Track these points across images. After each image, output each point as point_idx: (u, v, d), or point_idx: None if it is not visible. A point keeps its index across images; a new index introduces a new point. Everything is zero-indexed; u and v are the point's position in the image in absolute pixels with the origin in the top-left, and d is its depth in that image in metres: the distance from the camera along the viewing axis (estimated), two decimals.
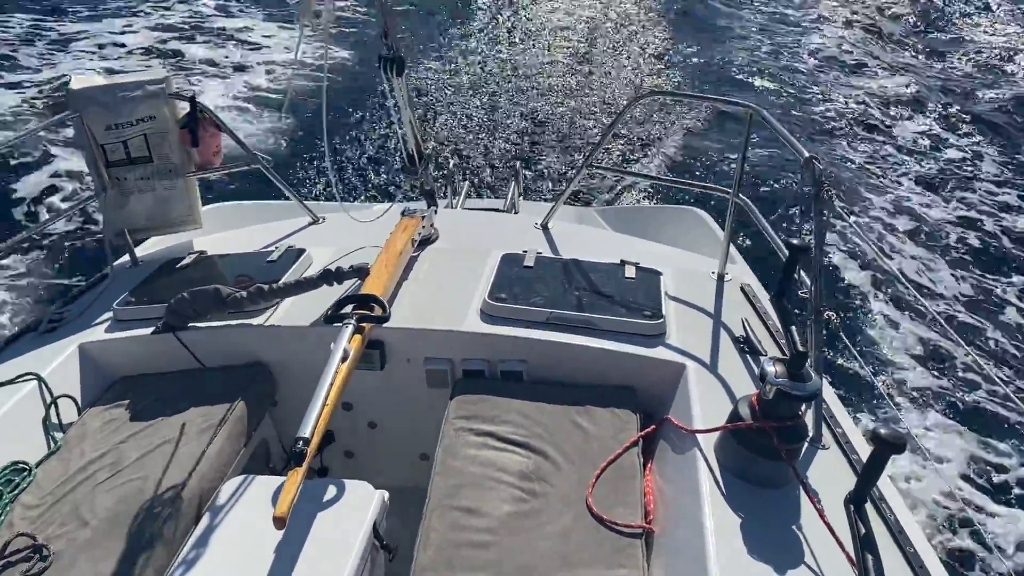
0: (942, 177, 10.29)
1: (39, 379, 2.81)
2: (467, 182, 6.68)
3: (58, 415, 2.81)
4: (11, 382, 2.79)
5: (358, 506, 2.25)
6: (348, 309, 2.63)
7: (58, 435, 2.76)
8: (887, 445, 1.70)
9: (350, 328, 2.50)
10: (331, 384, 2.23)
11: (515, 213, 5.82)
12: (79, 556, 2.18)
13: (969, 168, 10.65)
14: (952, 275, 7.92)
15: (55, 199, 8.42)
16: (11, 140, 3.30)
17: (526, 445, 2.53)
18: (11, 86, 11.60)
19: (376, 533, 2.22)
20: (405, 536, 2.34)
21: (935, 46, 16.54)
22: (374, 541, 2.21)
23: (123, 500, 2.37)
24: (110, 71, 11.60)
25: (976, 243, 8.67)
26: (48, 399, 2.79)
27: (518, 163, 7.90)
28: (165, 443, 2.62)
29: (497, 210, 5.81)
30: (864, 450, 2.41)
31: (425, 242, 3.66)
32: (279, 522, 1.83)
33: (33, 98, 10.99)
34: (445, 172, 5.89)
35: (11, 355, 3.06)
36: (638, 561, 2.12)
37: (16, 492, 2.46)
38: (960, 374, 6.38)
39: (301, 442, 2.02)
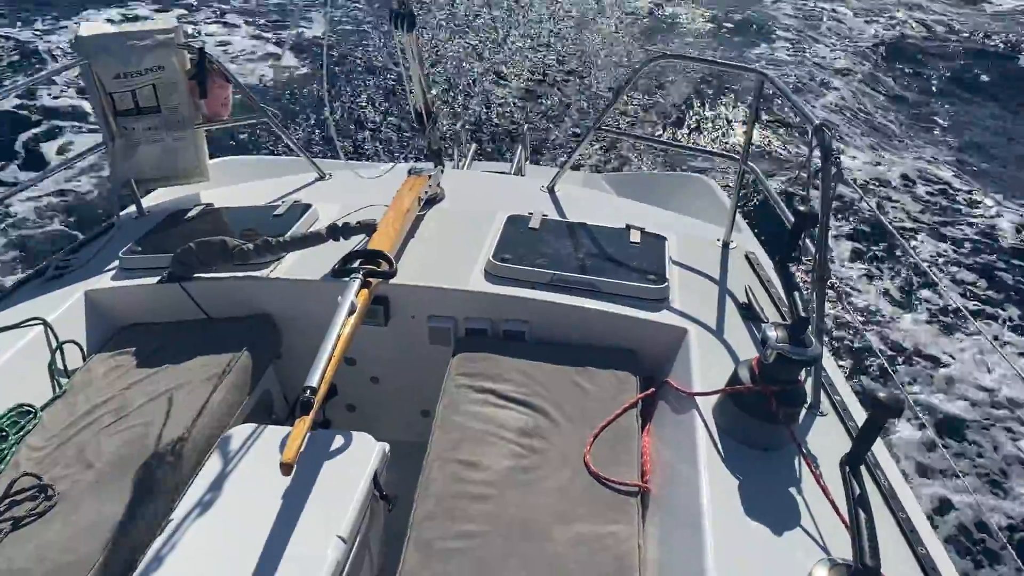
0: (954, 147, 10.19)
1: (45, 324, 2.83)
2: (474, 144, 6.65)
3: (63, 360, 2.83)
4: (17, 326, 2.81)
5: (359, 457, 2.28)
6: (355, 264, 2.64)
7: (63, 380, 2.79)
8: (884, 408, 1.72)
9: (357, 282, 2.51)
10: (338, 336, 2.24)
11: (521, 176, 5.81)
12: (84, 497, 2.22)
13: (984, 139, 10.54)
14: (959, 247, 7.89)
15: (63, 148, 8.40)
16: (19, 86, 3.29)
17: (526, 403, 2.56)
18: (21, 32, 11.53)
19: (376, 483, 2.25)
20: (403, 488, 2.38)
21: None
22: (374, 491, 2.25)
23: (127, 445, 2.40)
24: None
25: (985, 217, 8.61)
26: (54, 344, 2.82)
27: (525, 126, 7.86)
28: (169, 391, 2.65)
29: (503, 173, 5.80)
30: (861, 417, 2.44)
31: (431, 201, 3.66)
32: (286, 468, 1.85)
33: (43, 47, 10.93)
34: (452, 133, 5.88)
35: (17, 300, 3.09)
36: (633, 518, 2.15)
37: (22, 434, 2.49)
38: (963, 346, 6.40)
39: (308, 391, 2.04)
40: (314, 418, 3.06)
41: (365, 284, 2.54)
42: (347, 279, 2.55)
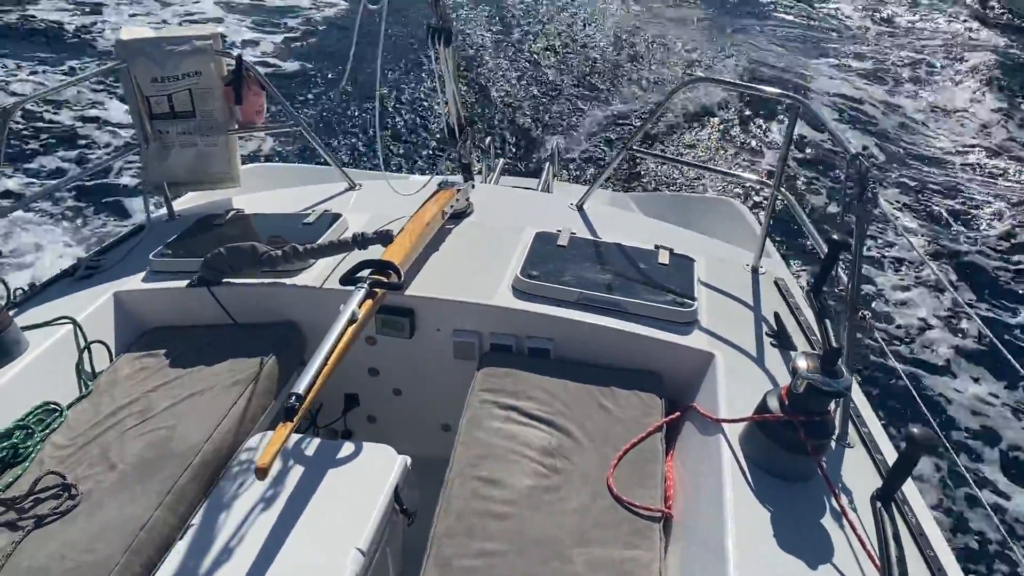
0: (995, 179, 10.02)
1: (74, 323, 2.85)
2: (502, 159, 6.65)
3: (91, 360, 2.85)
4: (47, 324, 2.84)
5: (381, 469, 2.27)
6: (364, 273, 2.62)
7: (89, 380, 2.81)
8: (918, 445, 1.69)
9: (362, 292, 2.49)
10: (334, 346, 2.22)
11: (549, 193, 5.81)
12: (106, 498, 2.22)
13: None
14: (996, 283, 7.74)
15: (97, 149, 8.51)
16: (59, 87, 3.35)
17: (550, 422, 2.54)
18: (64, 37, 11.72)
19: (397, 497, 2.24)
20: (421, 502, 2.37)
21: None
22: (395, 505, 2.24)
23: (151, 447, 2.41)
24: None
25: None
26: (82, 344, 2.84)
27: (554, 143, 7.86)
28: (194, 395, 2.65)
29: (531, 189, 5.80)
30: (889, 451, 2.40)
31: (460, 216, 3.66)
32: (261, 473, 1.83)
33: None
34: (481, 148, 5.89)
35: (47, 298, 3.12)
36: (655, 544, 2.12)
37: (47, 431, 2.51)
38: (996, 384, 6.27)
39: (294, 398, 2.02)
40: (333, 429, 3.05)
41: (370, 294, 2.52)
42: (353, 288, 2.53)
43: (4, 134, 2.94)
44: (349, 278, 2.61)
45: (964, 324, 6.87)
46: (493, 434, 2.46)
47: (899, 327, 6.87)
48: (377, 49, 2.96)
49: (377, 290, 2.55)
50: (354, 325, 2.35)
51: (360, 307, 2.42)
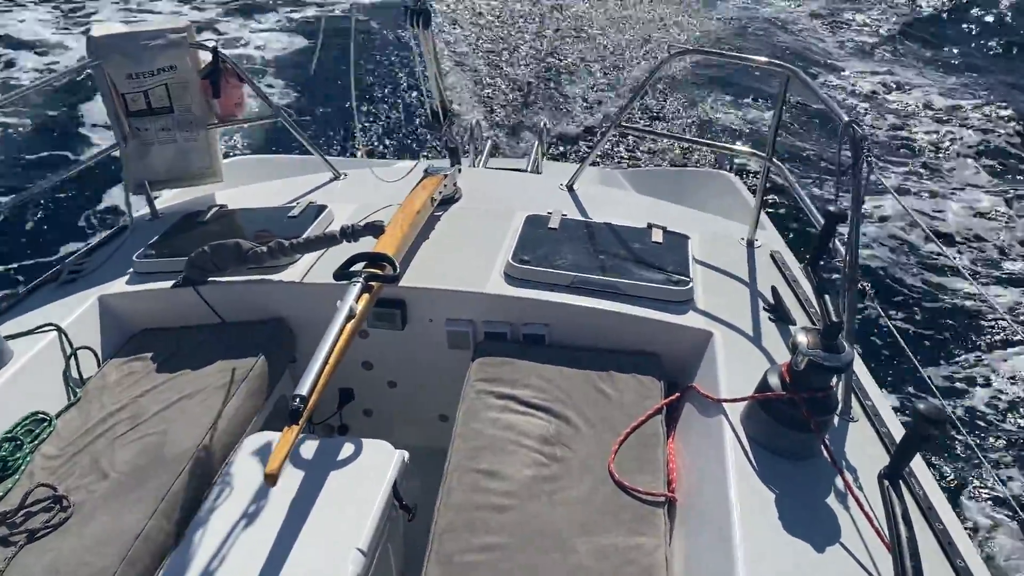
0: (991, 145, 9.92)
1: (59, 330, 2.80)
2: (489, 140, 6.56)
3: (78, 367, 2.80)
4: (31, 332, 2.78)
5: (378, 466, 2.23)
6: (358, 267, 2.55)
7: (78, 387, 2.75)
8: (927, 421, 1.65)
9: (358, 287, 2.41)
10: (334, 343, 2.16)
11: (538, 173, 5.74)
12: (99, 508, 2.18)
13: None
14: (996, 247, 7.68)
15: (76, 150, 8.38)
16: (31, 88, 3.27)
17: (548, 409, 2.50)
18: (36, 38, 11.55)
19: (396, 493, 2.21)
20: (422, 494, 2.33)
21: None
22: (394, 501, 2.20)
23: (142, 453, 2.36)
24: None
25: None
26: (68, 350, 2.78)
27: (542, 122, 7.76)
28: (184, 398, 2.61)
29: (520, 170, 5.72)
30: (894, 424, 2.37)
31: (448, 201, 3.60)
32: (270, 479, 1.79)
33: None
34: (467, 129, 5.81)
35: (31, 305, 3.06)
36: (660, 530, 2.09)
37: (37, 442, 2.46)
38: (999, 351, 6.21)
39: (298, 400, 1.96)
40: (329, 424, 3.01)
41: (366, 288, 2.44)
42: (348, 283, 2.44)
43: None
44: (343, 273, 2.53)
45: (966, 291, 6.78)
46: (490, 425, 2.42)
47: (900, 297, 6.79)
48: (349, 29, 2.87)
49: (373, 284, 2.48)
50: (352, 321, 2.28)
51: (357, 302, 2.35)
